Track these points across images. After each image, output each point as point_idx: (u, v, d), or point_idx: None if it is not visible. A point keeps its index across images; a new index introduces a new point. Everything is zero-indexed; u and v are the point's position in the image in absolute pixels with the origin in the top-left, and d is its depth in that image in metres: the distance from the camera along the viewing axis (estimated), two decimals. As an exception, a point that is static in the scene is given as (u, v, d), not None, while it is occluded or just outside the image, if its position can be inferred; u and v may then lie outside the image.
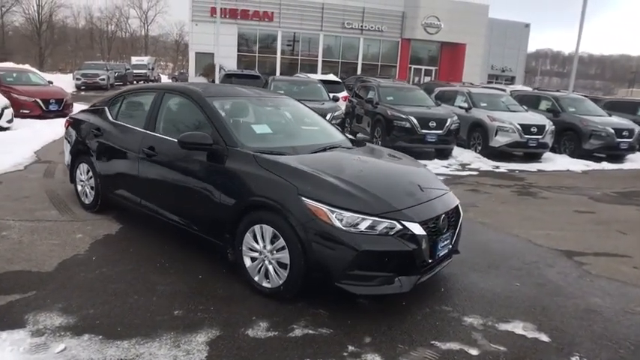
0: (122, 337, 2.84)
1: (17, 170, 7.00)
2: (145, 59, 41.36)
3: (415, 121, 10.27)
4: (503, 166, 10.21)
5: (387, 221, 3.07)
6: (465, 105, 12.00)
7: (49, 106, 12.08)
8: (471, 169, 9.73)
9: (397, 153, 4.55)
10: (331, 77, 17.12)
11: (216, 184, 3.61)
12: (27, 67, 17.90)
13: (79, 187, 5.26)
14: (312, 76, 16.69)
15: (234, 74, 15.99)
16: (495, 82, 31.17)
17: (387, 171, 3.88)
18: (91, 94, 23.78)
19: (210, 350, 2.74)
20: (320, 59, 30.92)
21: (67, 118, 5.72)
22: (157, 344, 2.78)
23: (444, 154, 10.88)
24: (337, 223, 3.02)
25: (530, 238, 5.33)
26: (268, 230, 3.28)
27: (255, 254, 3.40)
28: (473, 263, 4.40)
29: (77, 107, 14.92)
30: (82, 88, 25.87)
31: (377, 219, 3.06)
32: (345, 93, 15.73)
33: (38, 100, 12.05)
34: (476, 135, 11.49)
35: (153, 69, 41.17)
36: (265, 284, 3.37)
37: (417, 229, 3.14)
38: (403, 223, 3.11)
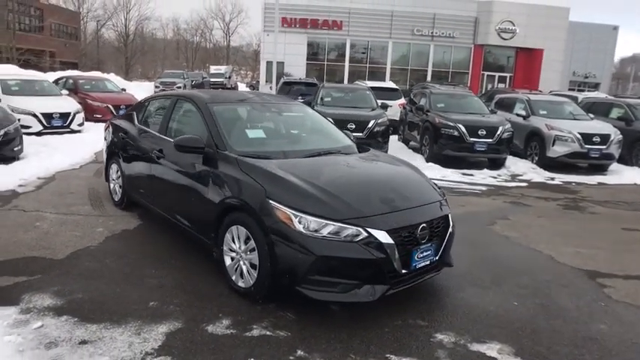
0: (95, 320, 3.08)
1: (73, 169, 7.73)
2: (222, 68, 43.51)
3: (463, 128, 9.92)
4: (560, 178, 9.53)
5: (352, 228, 3.04)
6: (523, 113, 11.35)
7: (119, 111, 13.19)
8: (521, 180, 9.20)
9: (398, 160, 4.44)
10: (389, 84, 16.97)
11: (206, 186, 3.78)
12: (104, 75, 19.62)
13: (111, 185, 5.72)
14: (370, 83, 16.66)
15: (292, 82, 16.36)
16: (577, 90, 29.02)
17: (370, 177, 3.82)
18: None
19: (165, 340, 2.89)
20: (389, 67, 30.69)
21: (107, 121, 6.24)
22: (120, 330, 2.98)
23: (497, 164, 10.37)
24: (299, 227, 3.04)
25: (555, 255, 4.95)
26: (243, 231, 3.38)
27: (234, 254, 3.52)
28: (475, 278, 4.19)
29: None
30: (162, 95, 27.78)
31: (341, 225, 3.04)
32: (402, 100, 15.54)
33: (109, 106, 13.18)
34: (533, 145, 10.82)
35: (230, 77, 43.17)
36: (240, 284, 3.48)
37: (383, 237, 3.07)
38: (369, 230, 3.06)
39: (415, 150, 11.84)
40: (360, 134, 9.90)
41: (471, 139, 9.89)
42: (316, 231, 3.03)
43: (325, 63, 31.19)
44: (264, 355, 2.78)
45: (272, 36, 30.00)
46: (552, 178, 9.51)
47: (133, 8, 46.17)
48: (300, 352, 2.82)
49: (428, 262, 3.42)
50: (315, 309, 3.31)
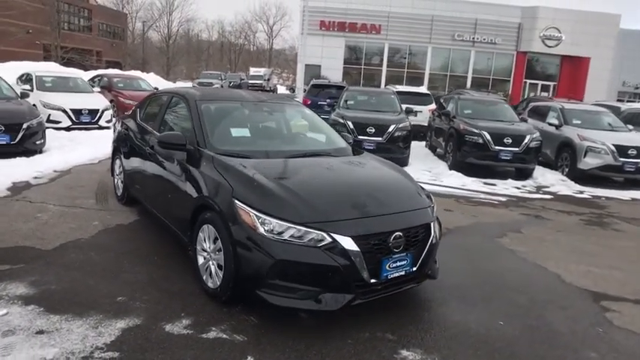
0: (59, 312, 3.10)
1: (91, 164, 7.96)
2: (261, 70, 44.09)
3: (488, 136, 9.55)
4: (589, 192, 8.99)
5: (316, 232, 2.92)
6: (556, 122, 10.82)
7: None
8: (546, 192, 8.74)
9: (389, 165, 4.25)
10: (420, 89, 16.65)
11: (185, 183, 3.75)
12: (138, 74, 20.23)
13: (115, 180, 5.83)
14: (400, 87, 16.39)
15: (321, 85, 16.34)
16: (627, 101, 27.48)
17: (348, 181, 3.67)
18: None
19: (119, 336, 2.87)
20: (427, 72, 30.19)
21: (117, 117, 6.37)
22: (80, 322, 2.98)
23: (524, 174, 9.92)
24: (260, 229, 2.95)
25: (562, 273, 4.63)
26: (212, 231, 3.32)
27: (205, 254, 3.47)
28: (465, 293, 3.97)
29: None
30: (199, 95, 28.38)
31: (303, 228, 2.92)
32: (432, 106, 15.20)
33: (140, 104, 13.52)
34: (564, 155, 10.28)
35: (269, 80, 43.71)
36: (209, 284, 3.42)
37: (348, 243, 2.93)
38: (333, 235, 2.92)
39: (441, 157, 11.52)
40: (380, 138, 9.74)
41: (496, 147, 9.51)
42: (278, 234, 2.93)
43: (362, 67, 31.04)
44: (213, 358, 2.70)
45: (310, 39, 30.22)
46: (581, 192, 8.98)
47: (176, 10, 47.72)
48: (249, 359, 2.73)
49: (403, 273, 3.24)
50: (281, 315, 3.20)
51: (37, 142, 7.92)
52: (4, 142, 7.36)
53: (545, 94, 28.30)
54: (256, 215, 2.99)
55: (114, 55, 40.57)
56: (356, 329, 3.17)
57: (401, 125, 10.04)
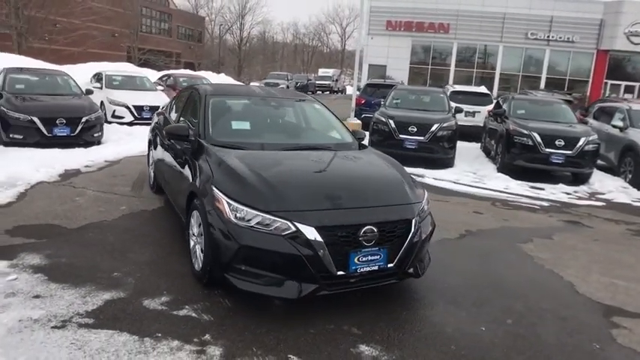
0: (58, 281, 3.45)
1: (141, 155, 8.51)
2: (330, 71, 44.54)
3: (538, 137, 9.03)
4: (651, 202, 8.22)
5: (280, 220, 3.01)
6: (620, 124, 9.98)
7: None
8: (599, 200, 8.12)
9: (386, 161, 4.15)
10: (480, 89, 16.04)
11: (185, 172, 4.00)
12: (202, 73, 21.27)
13: (149, 170, 6.27)
14: (458, 87, 15.93)
15: (376, 84, 16.28)
16: None
17: (330, 174, 3.70)
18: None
19: (101, 305, 3.15)
20: (498, 72, 28.92)
21: (156, 112, 6.85)
22: (73, 292, 3.31)
23: (580, 180, 9.29)
24: (230, 215, 3.09)
25: (578, 283, 4.32)
26: (198, 216, 3.52)
27: (195, 238, 3.68)
28: (457, 295, 3.84)
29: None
30: (265, 95, 29.27)
31: (268, 216, 3.02)
32: (492, 106, 14.59)
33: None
34: (627, 160, 9.47)
35: (337, 80, 44.03)
36: (196, 266, 3.62)
37: (311, 233, 2.98)
38: (297, 224, 2.99)
39: (492, 159, 11.06)
40: (422, 138, 9.57)
41: (547, 149, 8.97)
42: (246, 221, 3.05)
43: (430, 67, 30.37)
44: (173, 333, 2.89)
45: (376, 39, 30.13)
46: (641, 201, 8.24)
47: (248, 14, 49.70)
48: (206, 337, 2.88)
49: (376, 268, 3.21)
50: (256, 301, 3.29)
51: (95, 135, 8.69)
52: (65, 134, 8.17)
53: (629, 95, 26.00)
54: (228, 202, 3.13)
55: (191, 56, 43.02)
56: (323, 320, 3.20)
57: (445, 125, 9.78)
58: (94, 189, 6.06)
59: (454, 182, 8.67)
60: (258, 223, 3.03)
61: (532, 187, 8.64)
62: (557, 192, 8.46)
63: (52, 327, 2.85)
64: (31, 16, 19.02)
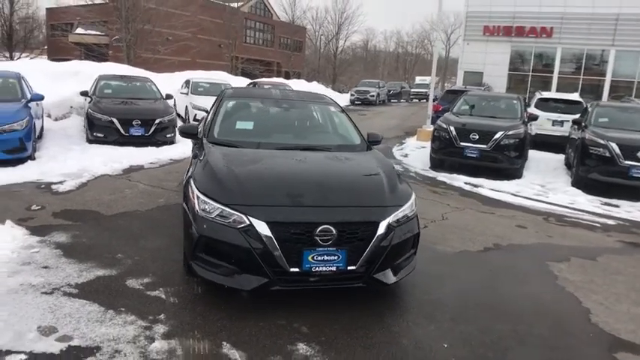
0: (70, 257, 3.97)
1: (202, 154, 9.29)
2: (427, 79, 43.53)
3: (616, 148, 8.11)
4: None
5: (237, 214, 3.16)
6: None
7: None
8: (683, 222, 7.09)
9: (379, 164, 4.08)
10: (572, 96, 14.70)
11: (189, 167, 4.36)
12: (286, 81, 22.12)
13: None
14: (546, 94, 14.81)
15: (455, 91, 15.71)
16: None
17: (305, 173, 3.75)
18: (358, 108, 27.10)
19: (91, 280, 3.59)
20: (608, 79, 26.12)
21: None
22: (75, 267, 3.79)
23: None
24: (197, 206, 3.32)
25: (596, 311, 3.83)
26: (186, 207, 3.83)
27: (186, 229, 3.99)
28: (437, 308, 3.62)
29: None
30: (356, 102, 29.53)
31: (227, 209, 3.18)
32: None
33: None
34: None
35: (435, 88, 42.95)
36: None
37: (262, 228, 3.09)
38: (250, 218, 3.12)
39: (571, 172, 10.14)
40: (484, 146, 9.09)
41: (626, 162, 8.03)
42: (209, 212, 3.25)
43: (530, 74, 28.38)
44: (134, 309, 3.20)
45: (472, 45, 28.98)
46: None
47: (344, 23, 50.67)
48: (161, 316, 3.14)
49: (334, 269, 3.21)
50: (227, 293, 3.41)
51: (167, 136, 9.60)
52: (140, 134, 9.15)
53: None
54: (198, 195, 3.37)
55: (291, 66, 44.90)
56: (279, 316, 3.26)
57: (511, 132, 9.18)
58: (145, 183, 6.74)
59: (512, 194, 8.12)
60: (218, 216, 3.22)
61: (605, 204, 7.79)
62: (634, 210, 7.54)
63: (42, 292, 3.32)
64: (139, 29, 21.48)
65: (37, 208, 5.24)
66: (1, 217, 4.65)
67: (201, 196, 3.33)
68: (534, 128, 12.67)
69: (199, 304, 3.37)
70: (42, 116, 9.22)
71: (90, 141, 9.12)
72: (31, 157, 7.30)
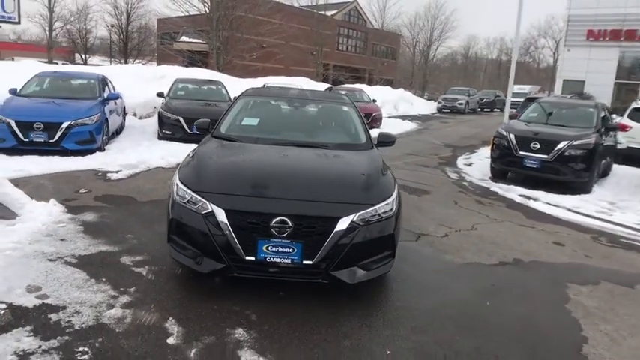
0: (88, 233, 4.52)
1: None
2: (526, 87, 40.84)
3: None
4: None
5: (202, 201, 3.39)
6: None
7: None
8: None
9: (369, 161, 4.12)
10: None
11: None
12: (358, 86, 22.15)
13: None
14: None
15: (535, 98, 14.65)
16: None
17: (282, 167, 3.85)
18: (443, 116, 26.34)
19: (93, 253, 4.07)
20: None
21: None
22: (85, 241, 4.31)
23: None
24: (174, 192, 3.62)
25: (596, 342, 3.40)
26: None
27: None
28: (403, 317, 3.47)
29: (386, 122, 17.48)
30: (443, 110, 28.69)
31: (195, 196, 3.42)
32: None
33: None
34: None
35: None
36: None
37: (221, 215, 3.28)
38: (212, 205, 3.33)
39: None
40: (545, 156, 8.45)
41: None
42: (182, 197, 3.53)
43: (642, 82, 25.52)
44: (113, 280, 3.58)
45: (573, 51, 26.76)
46: None
47: (436, 30, 49.50)
48: (131, 289, 3.48)
49: (289, 261, 3.29)
50: (204, 277, 3.56)
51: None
52: (193, 133, 9.81)
53: None
54: (177, 183, 3.67)
55: (384, 73, 44.84)
56: (234, 302, 3.40)
57: (577, 142, 8.41)
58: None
59: (569, 210, 7.46)
60: (188, 202, 3.47)
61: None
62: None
63: (47, 259, 3.85)
64: (228, 37, 22.99)
65: (84, 191, 5.98)
66: (51, 196, 5.38)
67: (179, 184, 3.63)
68: (625, 141, 11.48)
69: (171, 282, 3.67)
70: (122, 114, 10.33)
71: (160, 138, 10.05)
72: (101, 149, 8.28)
